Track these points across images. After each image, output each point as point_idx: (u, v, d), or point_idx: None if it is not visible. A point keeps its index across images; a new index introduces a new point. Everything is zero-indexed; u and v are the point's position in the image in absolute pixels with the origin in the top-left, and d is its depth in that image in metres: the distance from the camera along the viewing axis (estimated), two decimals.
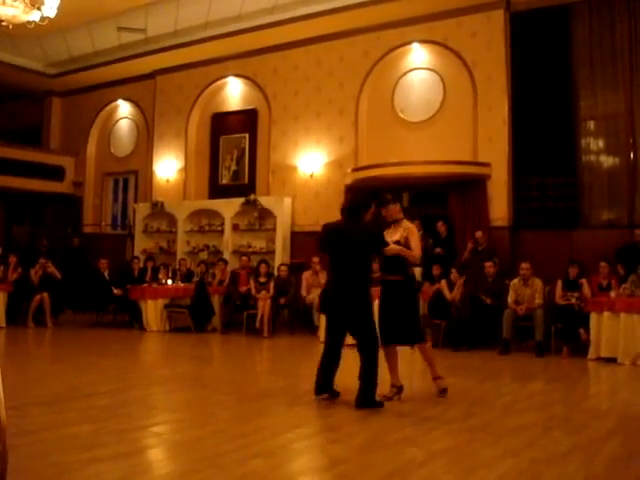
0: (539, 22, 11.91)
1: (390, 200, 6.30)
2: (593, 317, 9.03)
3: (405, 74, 13.05)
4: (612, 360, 8.72)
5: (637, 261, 9.58)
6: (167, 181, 15.83)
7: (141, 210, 15.43)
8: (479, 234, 11.22)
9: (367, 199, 6.25)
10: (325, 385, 6.10)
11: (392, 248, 6.00)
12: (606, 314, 8.91)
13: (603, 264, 9.93)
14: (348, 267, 5.98)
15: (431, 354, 6.43)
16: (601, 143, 11.67)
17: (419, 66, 12.93)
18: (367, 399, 5.77)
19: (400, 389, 6.19)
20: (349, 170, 12.87)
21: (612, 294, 9.28)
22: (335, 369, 6.11)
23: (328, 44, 13.68)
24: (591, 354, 8.96)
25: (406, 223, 6.27)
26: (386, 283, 6.31)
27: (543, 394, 6.50)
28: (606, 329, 8.88)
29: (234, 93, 15.24)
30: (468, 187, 12.03)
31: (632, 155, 11.22)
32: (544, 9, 11.89)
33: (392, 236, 6.15)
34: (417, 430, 5.06)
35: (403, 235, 6.13)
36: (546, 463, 4.20)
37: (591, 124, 11.75)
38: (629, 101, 11.26)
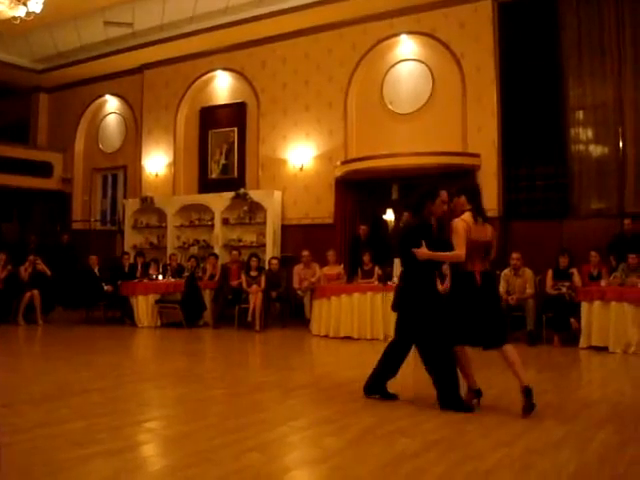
0: (527, 12, 11.93)
1: (438, 193, 5.67)
2: (584, 306, 9.07)
3: (393, 66, 13.05)
4: (603, 349, 8.77)
5: (627, 250, 9.63)
6: (156, 176, 15.78)
7: (130, 205, 15.37)
8: None
9: (425, 192, 5.73)
10: (374, 386, 5.92)
11: (422, 253, 5.47)
12: (597, 303, 8.95)
13: (593, 253, 9.97)
14: (404, 266, 5.88)
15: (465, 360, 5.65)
16: (590, 133, 11.71)
17: (407, 57, 12.94)
18: (445, 400, 5.46)
19: (477, 393, 5.64)
20: (339, 163, 12.86)
21: (603, 283, 9.33)
22: (390, 370, 5.89)
23: (316, 36, 13.65)
24: (582, 343, 9.01)
25: (455, 220, 5.51)
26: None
27: (535, 383, 6.45)
28: (597, 318, 8.92)
29: (222, 87, 15.19)
30: (458, 178, 12.00)
31: (621, 144, 11.26)
32: None
33: None
34: (410, 422, 5.07)
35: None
36: (538, 452, 4.22)
37: (580, 114, 11.78)
38: (617, 90, 11.28)
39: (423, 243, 5.47)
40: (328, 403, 5.78)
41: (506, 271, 10.13)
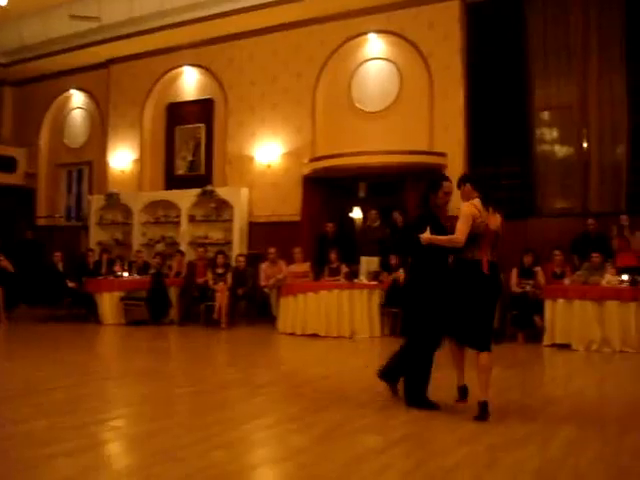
0: (495, 13, 12.05)
1: (441, 184, 5.56)
2: (548, 304, 9.21)
3: (362, 64, 13.07)
4: (566, 346, 8.90)
5: (590, 249, 9.78)
6: (122, 172, 15.61)
7: (96, 202, 15.19)
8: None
9: (428, 184, 5.68)
10: (388, 373, 5.84)
11: (425, 237, 5.32)
12: (560, 301, 9.09)
13: (557, 252, 10.11)
14: (412, 259, 5.82)
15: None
16: (555, 133, 11.89)
17: (376, 56, 12.96)
18: (411, 397, 5.46)
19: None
20: (306, 160, 12.85)
21: (566, 281, 9.47)
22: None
23: (284, 33, 13.60)
24: (546, 340, 9.14)
25: (465, 203, 5.35)
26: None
27: (499, 381, 6.56)
28: (560, 316, 9.06)
29: (190, 83, 15.08)
30: (425, 176, 12.08)
31: (585, 145, 11.43)
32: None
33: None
34: (377, 418, 5.09)
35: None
36: (502, 449, 4.27)
37: (545, 114, 11.95)
38: (582, 92, 11.45)
39: (428, 228, 5.34)
40: (294, 401, 5.78)
41: None
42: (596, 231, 10.39)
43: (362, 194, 13.93)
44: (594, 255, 9.62)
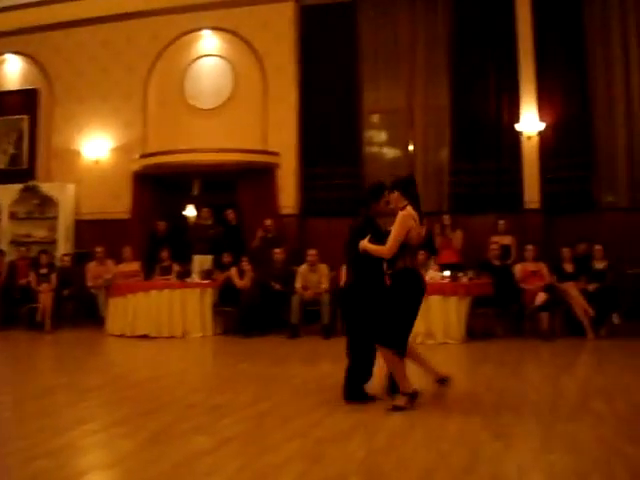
0: (328, 15, 12.34)
1: (383, 193, 5.57)
2: None
3: (196, 60, 12.92)
4: None
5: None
6: None
7: None
8: (268, 222, 11.42)
9: (370, 191, 5.73)
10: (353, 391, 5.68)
11: (362, 244, 5.38)
12: None
13: None
14: (352, 264, 5.78)
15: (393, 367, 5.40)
16: (383, 135, 12.43)
17: (210, 53, 12.87)
18: (350, 392, 5.56)
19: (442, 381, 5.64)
20: (137, 156, 12.51)
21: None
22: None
23: (115, 24, 13.13)
24: None
25: (402, 214, 5.29)
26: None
27: (329, 375, 6.73)
28: None
29: (12, 71, 14.15)
30: (258, 175, 12.20)
31: (411, 147, 12.02)
32: (332, 3, 12.35)
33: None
34: (206, 419, 5.05)
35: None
36: (330, 441, 4.37)
37: (375, 117, 12.45)
38: (410, 97, 12.02)
39: (369, 236, 5.38)
40: (123, 404, 5.62)
41: (303, 267, 10.41)
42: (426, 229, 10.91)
43: (196, 192, 13.77)
44: (419, 252, 10.07)
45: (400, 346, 5.27)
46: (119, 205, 12.78)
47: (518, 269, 9.97)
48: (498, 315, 9.82)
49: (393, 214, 5.38)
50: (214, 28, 12.74)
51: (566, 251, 9.97)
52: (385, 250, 5.21)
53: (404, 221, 5.18)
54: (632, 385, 6.13)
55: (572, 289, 9.49)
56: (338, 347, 9.06)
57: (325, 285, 10.26)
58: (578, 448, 4.15)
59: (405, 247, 5.23)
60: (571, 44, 11.31)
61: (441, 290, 9.29)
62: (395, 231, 5.17)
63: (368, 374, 5.66)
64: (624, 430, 4.54)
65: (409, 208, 5.26)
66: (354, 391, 5.58)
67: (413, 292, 5.32)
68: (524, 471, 3.79)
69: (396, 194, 5.37)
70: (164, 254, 11.00)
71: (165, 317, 10.08)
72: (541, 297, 9.42)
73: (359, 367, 5.62)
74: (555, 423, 4.73)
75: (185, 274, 10.57)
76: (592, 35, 11.34)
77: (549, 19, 11.37)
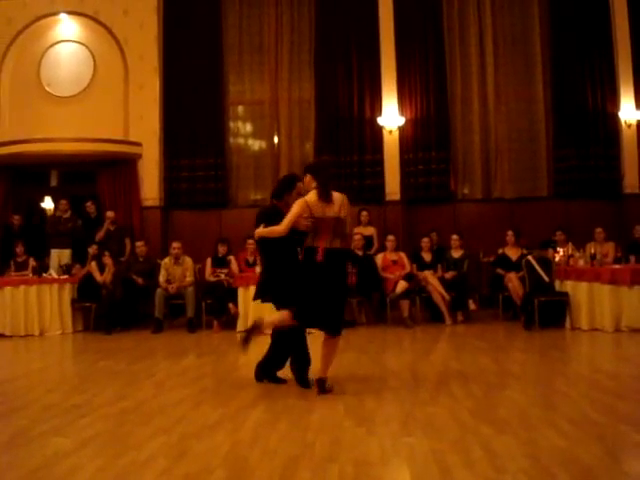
0: (192, 4, 12.19)
1: (295, 185, 5.75)
2: (240, 292, 9.55)
3: (53, 45, 12.38)
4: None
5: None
6: None
7: None
8: (110, 214, 11.15)
9: (284, 182, 5.88)
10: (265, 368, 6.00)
11: (257, 231, 5.58)
12: (252, 288, 9.45)
13: (250, 241, 10.51)
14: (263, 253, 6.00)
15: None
16: (248, 127, 12.46)
17: (68, 38, 12.39)
18: (263, 370, 5.92)
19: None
20: None
21: (257, 270, 9.89)
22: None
23: None
24: (239, 326, 9.46)
25: (297, 201, 5.52)
26: None
27: (194, 369, 6.69)
28: (253, 302, 9.44)
29: None
30: (119, 166, 11.92)
31: (276, 139, 12.13)
32: None
33: None
34: (65, 420, 4.87)
35: None
36: (195, 436, 4.34)
37: (239, 109, 12.44)
38: (274, 89, 12.13)
39: (262, 225, 5.51)
40: None
41: (166, 260, 10.27)
42: None
43: (54, 183, 13.21)
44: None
45: (301, 319, 5.47)
46: None
47: (379, 258, 10.27)
48: (360, 303, 10.09)
49: None
50: (72, 12, 12.24)
51: (425, 241, 10.38)
52: (278, 228, 5.38)
53: (298, 205, 5.38)
54: (486, 368, 6.48)
55: (431, 277, 9.91)
56: (204, 340, 9.08)
57: (190, 278, 10.16)
58: (436, 430, 4.34)
59: (316, 229, 5.37)
60: (430, 43, 11.80)
61: None
62: (289, 213, 5.37)
63: (284, 359, 5.90)
64: (479, 411, 4.78)
65: (312, 194, 5.43)
66: (263, 373, 5.91)
67: (310, 270, 5.39)
68: (386, 454, 3.93)
69: (308, 177, 5.56)
70: (19, 249, 10.55)
71: (21, 315, 9.64)
72: (401, 285, 9.75)
73: (277, 350, 5.87)
74: (414, 407, 4.92)
75: (42, 269, 10.14)
76: (451, 34, 11.91)
77: (410, 18, 11.80)
